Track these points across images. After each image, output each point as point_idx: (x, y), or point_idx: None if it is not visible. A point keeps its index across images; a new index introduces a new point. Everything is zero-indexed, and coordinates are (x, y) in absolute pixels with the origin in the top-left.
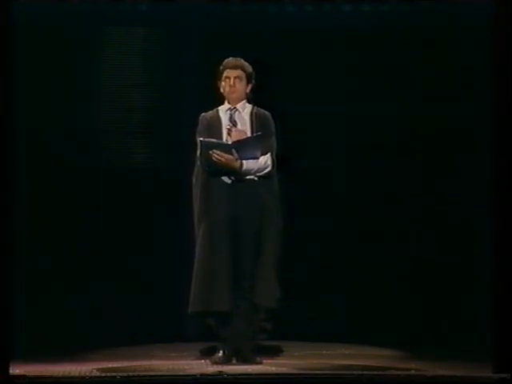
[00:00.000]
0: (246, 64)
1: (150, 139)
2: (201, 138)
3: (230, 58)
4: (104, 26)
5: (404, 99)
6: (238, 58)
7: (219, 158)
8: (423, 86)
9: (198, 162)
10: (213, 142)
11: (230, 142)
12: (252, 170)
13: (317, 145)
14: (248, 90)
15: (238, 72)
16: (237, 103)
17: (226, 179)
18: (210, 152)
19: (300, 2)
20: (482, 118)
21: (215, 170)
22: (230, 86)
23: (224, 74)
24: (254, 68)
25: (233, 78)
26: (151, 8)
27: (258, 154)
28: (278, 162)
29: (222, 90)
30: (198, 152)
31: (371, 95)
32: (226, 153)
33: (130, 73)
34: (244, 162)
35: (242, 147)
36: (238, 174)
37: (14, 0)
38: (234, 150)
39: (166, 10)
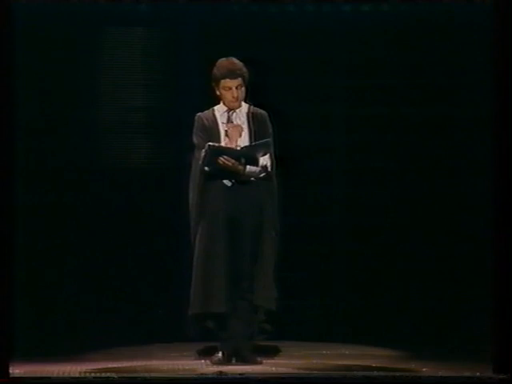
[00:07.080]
0: (242, 67)
1: (150, 139)
2: (210, 143)
3: (224, 61)
4: (104, 26)
5: (404, 99)
6: (231, 61)
7: (226, 162)
8: (423, 86)
9: (198, 164)
10: (222, 148)
11: (238, 148)
12: (254, 172)
13: (316, 145)
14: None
15: (239, 81)
16: (238, 108)
17: (226, 182)
18: (218, 157)
19: (300, 2)
20: (481, 117)
21: (216, 173)
22: (233, 97)
23: (223, 84)
24: (248, 67)
25: (235, 89)
26: (151, 8)
27: (260, 157)
28: (276, 162)
29: (218, 94)
30: (203, 155)
31: (371, 95)
32: (232, 157)
33: (130, 73)
34: (248, 165)
35: (250, 153)
36: (239, 177)
37: (14, 0)
38: (242, 157)
39: (166, 9)
